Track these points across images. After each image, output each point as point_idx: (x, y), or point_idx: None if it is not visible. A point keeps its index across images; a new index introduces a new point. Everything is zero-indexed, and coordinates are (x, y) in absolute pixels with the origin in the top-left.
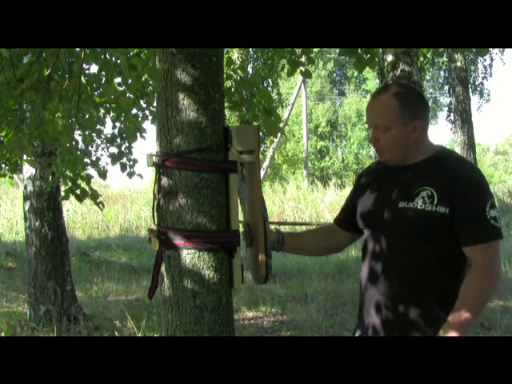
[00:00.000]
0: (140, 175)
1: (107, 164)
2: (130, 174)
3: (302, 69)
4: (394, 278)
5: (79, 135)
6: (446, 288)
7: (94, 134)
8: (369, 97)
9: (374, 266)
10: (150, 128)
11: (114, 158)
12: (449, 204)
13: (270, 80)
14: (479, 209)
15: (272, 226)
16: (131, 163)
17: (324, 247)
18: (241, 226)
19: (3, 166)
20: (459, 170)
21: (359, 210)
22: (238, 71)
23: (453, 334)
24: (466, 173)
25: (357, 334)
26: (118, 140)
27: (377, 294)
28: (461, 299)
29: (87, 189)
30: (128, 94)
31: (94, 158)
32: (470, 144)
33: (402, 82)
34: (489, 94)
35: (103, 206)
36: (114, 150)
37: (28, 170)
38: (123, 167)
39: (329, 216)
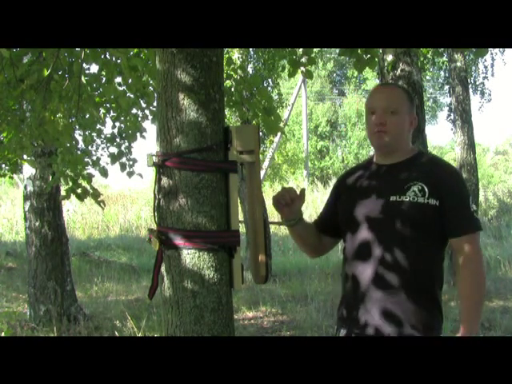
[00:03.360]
0: (140, 175)
1: (107, 164)
2: (130, 174)
3: (303, 69)
4: (398, 271)
5: (79, 135)
6: (438, 275)
7: (94, 134)
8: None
9: (364, 259)
10: (150, 128)
11: (114, 158)
12: (439, 197)
13: (270, 80)
14: (465, 203)
15: (272, 226)
16: (131, 163)
17: (317, 248)
18: (241, 226)
19: (3, 165)
20: (446, 168)
21: (345, 210)
22: (238, 71)
23: (473, 328)
24: (452, 171)
25: (342, 333)
26: (118, 140)
27: (377, 291)
28: (466, 293)
29: (88, 188)
30: (128, 94)
31: (94, 158)
32: (470, 144)
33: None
34: (490, 94)
35: (104, 205)
36: (113, 149)
37: (28, 170)
38: (123, 167)
39: None
